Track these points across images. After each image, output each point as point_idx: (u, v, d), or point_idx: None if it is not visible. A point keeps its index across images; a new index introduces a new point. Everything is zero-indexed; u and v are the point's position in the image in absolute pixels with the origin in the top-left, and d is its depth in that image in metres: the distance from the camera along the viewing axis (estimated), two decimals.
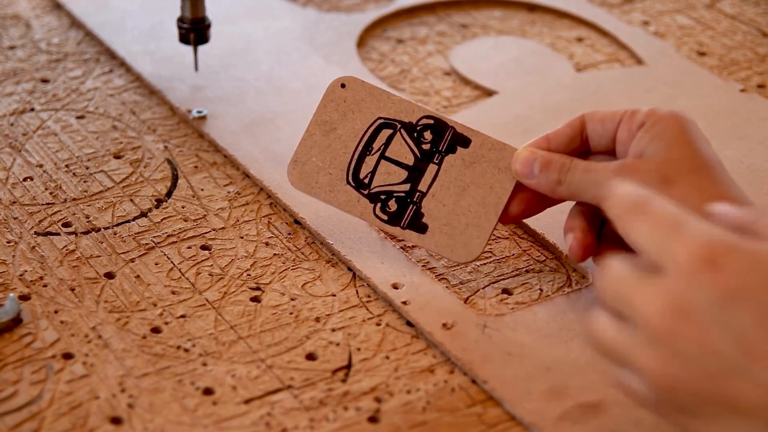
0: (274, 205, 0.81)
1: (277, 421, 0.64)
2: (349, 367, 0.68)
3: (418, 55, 1.00)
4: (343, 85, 0.75)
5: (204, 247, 0.77)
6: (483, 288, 0.73)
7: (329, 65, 0.97)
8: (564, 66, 0.98)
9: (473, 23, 1.05)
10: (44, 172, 0.84)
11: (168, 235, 0.78)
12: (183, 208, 0.81)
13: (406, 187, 0.73)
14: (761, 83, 0.95)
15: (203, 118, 0.89)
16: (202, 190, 0.83)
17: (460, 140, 0.74)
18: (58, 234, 0.78)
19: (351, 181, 0.74)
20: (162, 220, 0.79)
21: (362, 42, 1.01)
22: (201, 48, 0.93)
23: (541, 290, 0.73)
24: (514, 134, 0.87)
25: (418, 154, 0.73)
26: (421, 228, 0.73)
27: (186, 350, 0.69)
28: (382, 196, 0.73)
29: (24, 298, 0.72)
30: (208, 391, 0.66)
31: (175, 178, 0.84)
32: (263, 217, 0.80)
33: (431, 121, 0.74)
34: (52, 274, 0.74)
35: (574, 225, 0.71)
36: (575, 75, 0.96)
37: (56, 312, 0.71)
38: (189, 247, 0.77)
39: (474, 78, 0.95)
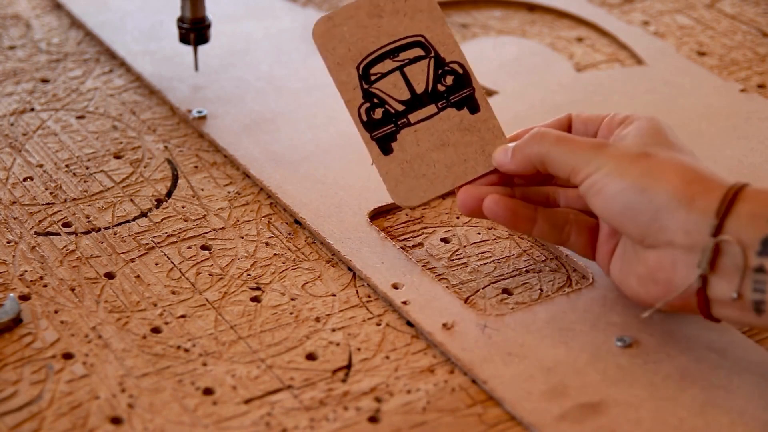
0: (274, 205, 0.81)
1: (277, 421, 0.64)
2: (349, 367, 0.68)
3: None
4: None
5: (204, 247, 0.77)
6: (483, 288, 0.73)
7: None
8: (564, 66, 0.98)
9: (473, 23, 1.05)
10: (44, 172, 0.84)
11: (168, 235, 0.78)
12: (183, 208, 0.81)
13: (400, 107, 0.73)
14: (761, 83, 0.95)
15: (203, 118, 0.89)
16: (202, 190, 0.83)
17: (471, 104, 0.74)
18: (58, 234, 0.78)
19: (360, 68, 0.73)
20: (162, 220, 0.79)
21: None
22: (201, 48, 0.93)
23: (541, 290, 0.73)
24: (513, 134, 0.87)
25: (429, 89, 0.73)
26: (386, 149, 0.73)
27: (186, 350, 0.69)
28: (375, 100, 0.73)
29: (24, 298, 0.72)
30: (208, 391, 0.66)
31: (175, 178, 0.84)
32: (263, 217, 0.80)
33: (460, 71, 0.74)
34: (52, 274, 0.74)
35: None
36: (575, 75, 0.96)
37: (56, 312, 0.71)
38: (189, 247, 0.77)
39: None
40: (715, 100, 0.92)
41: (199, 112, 0.90)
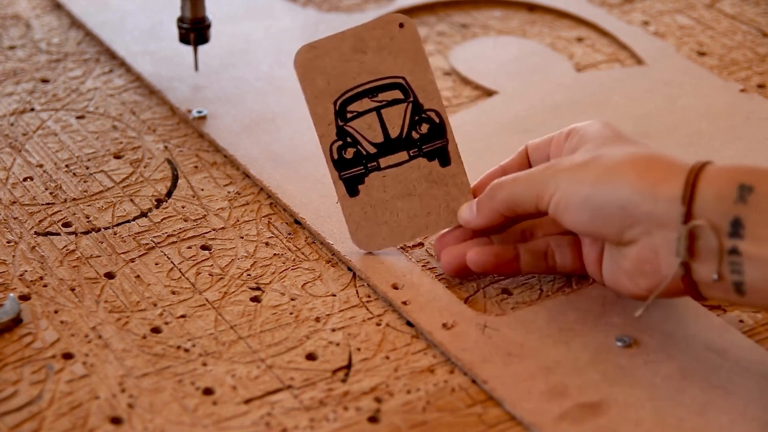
0: (274, 205, 0.81)
1: (277, 421, 0.64)
2: (349, 367, 0.68)
3: None
4: (401, 25, 0.73)
5: (204, 247, 0.77)
6: (483, 288, 0.73)
7: None
8: (564, 66, 0.98)
9: (473, 23, 1.05)
10: (44, 172, 0.84)
11: (168, 235, 0.78)
12: (183, 208, 0.81)
13: (372, 150, 0.73)
14: (761, 83, 0.95)
15: (203, 118, 0.89)
16: (202, 190, 0.83)
17: (443, 156, 0.73)
18: (58, 234, 0.78)
19: (337, 104, 0.72)
20: (162, 220, 0.79)
21: None
22: (201, 48, 0.93)
23: (541, 290, 0.73)
24: (514, 134, 0.88)
25: (403, 135, 0.73)
26: (352, 191, 0.73)
27: (186, 350, 0.69)
28: (348, 139, 0.72)
29: (24, 298, 0.72)
30: (208, 391, 0.66)
31: (175, 178, 0.84)
32: (263, 217, 0.80)
33: (437, 120, 0.73)
34: (52, 274, 0.74)
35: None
36: (575, 75, 0.96)
37: (56, 312, 0.71)
38: (189, 247, 0.77)
39: (474, 78, 0.95)
40: (715, 100, 0.92)
41: (199, 112, 0.90)
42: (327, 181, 0.82)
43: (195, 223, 0.79)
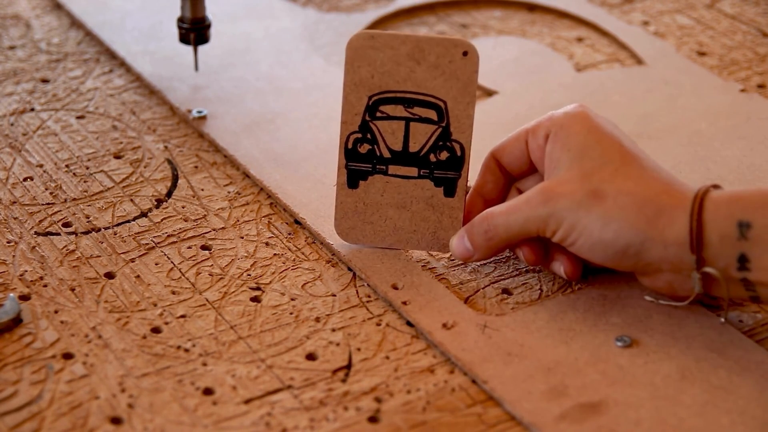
0: (274, 205, 0.81)
1: (277, 421, 0.64)
2: (349, 367, 0.68)
3: None
4: (465, 53, 0.72)
5: (204, 247, 0.77)
6: (483, 288, 0.73)
7: (329, 65, 0.97)
8: (564, 66, 0.98)
9: (473, 23, 1.05)
10: (44, 172, 0.84)
11: (168, 235, 0.78)
12: (183, 208, 0.81)
13: (387, 154, 0.73)
14: (761, 83, 0.95)
15: (203, 118, 0.89)
16: (202, 190, 0.83)
17: (450, 188, 0.73)
18: (58, 234, 0.78)
19: (371, 100, 0.72)
20: (162, 220, 0.79)
21: None
22: (201, 48, 0.93)
23: (541, 290, 0.73)
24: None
25: (421, 154, 0.73)
26: (353, 183, 0.73)
27: (186, 350, 0.69)
28: (368, 135, 0.72)
29: (24, 298, 0.72)
30: (208, 391, 0.66)
31: (175, 178, 0.84)
32: (263, 217, 0.80)
33: (458, 152, 0.73)
34: (52, 274, 0.74)
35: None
36: (575, 75, 0.96)
37: (56, 312, 0.71)
38: (189, 247, 0.77)
39: None
40: (715, 100, 0.92)
41: (199, 112, 0.90)
42: (327, 182, 0.82)
43: (195, 223, 0.79)
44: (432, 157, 0.73)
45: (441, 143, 0.72)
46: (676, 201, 0.67)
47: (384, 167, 0.73)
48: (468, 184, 0.74)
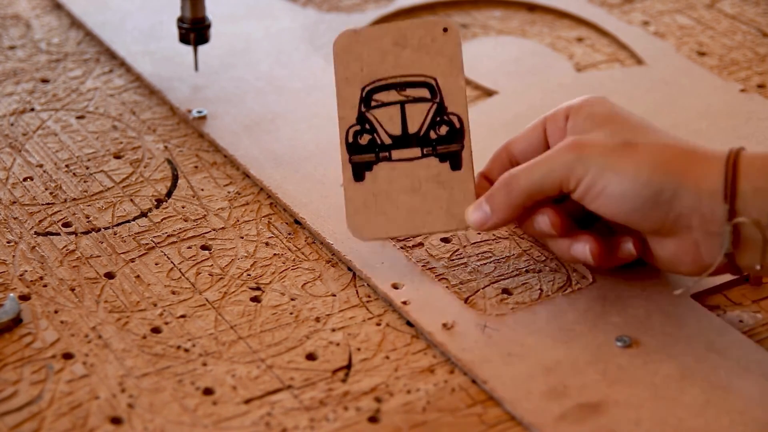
0: (274, 205, 0.81)
1: (277, 421, 0.64)
2: (349, 367, 0.68)
3: None
4: (445, 30, 0.73)
5: (204, 247, 0.77)
6: (483, 288, 0.73)
7: (329, 65, 0.97)
8: (564, 66, 0.98)
9: (473, 23, 1.05)
10: (44, 172, 0.84)
11: (168, 235, 0.78)
12: (183, 208, 0.81)
13: (387, 140, 0.72)
14: (761, 83, 0.95)
15: (203, 118, 0.89)
16: (202, 190, 0.83)
17: (455, 160, 0.73)
18: (58, 234, 0.78)
19: (365, 91, 0.72)
20: (162, 220, 0.79)
21: None
22: (201, 48, 0.93)
23: (541, 290, 0.73)
24: (513, 134, 0.87)
25: (421, 133, 0.73)
26: (359, 176, 0.72)
27: (186, 350, 0.69)
28: (367, 125, 0.72)
29: (24, 298, 0.72)
30: (208, 391, 0.66)
31: (175, 178, 0.84)
32: (263, 217, 0.80)
33: (457, 125, 0.73)
34: (52, 274, 0.74)
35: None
36: (575, 75, 0.96)
37: (56, 312, 0.71)
38: (189, 247, 0.77)
39: (474, 78, 0.95)
40: (715, 100, 0.92)
41: (199, 112, 0.90)
42: (327, 182, 0.82)
43: (195, 223, 0.79)
44: (432, 134, 0.73)
45: (438, 119, 0.73)
46: (709, 154, 0.66)
47: (387, 153, 0.73)
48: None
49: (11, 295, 0.71)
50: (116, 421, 0.64)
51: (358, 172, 0.73)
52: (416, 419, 0.64)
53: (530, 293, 0.73)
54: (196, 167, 0.85)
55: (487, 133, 0.88)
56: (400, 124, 0.73)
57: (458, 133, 0.73)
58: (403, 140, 0.73)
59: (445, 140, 0.73)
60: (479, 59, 0.98)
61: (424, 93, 0.73)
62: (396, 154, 0.73)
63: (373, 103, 0.73)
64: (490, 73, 0.96)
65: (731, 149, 0.66)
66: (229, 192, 0.82)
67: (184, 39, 0.91)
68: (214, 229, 0.79)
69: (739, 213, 0.64)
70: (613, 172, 0.66)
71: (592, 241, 0.69)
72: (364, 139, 0.72)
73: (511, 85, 0.94)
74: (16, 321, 0.70)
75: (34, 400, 0.65)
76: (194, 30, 0.91)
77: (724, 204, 0.64)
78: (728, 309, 0.72)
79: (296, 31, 1.02)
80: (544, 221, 0.70)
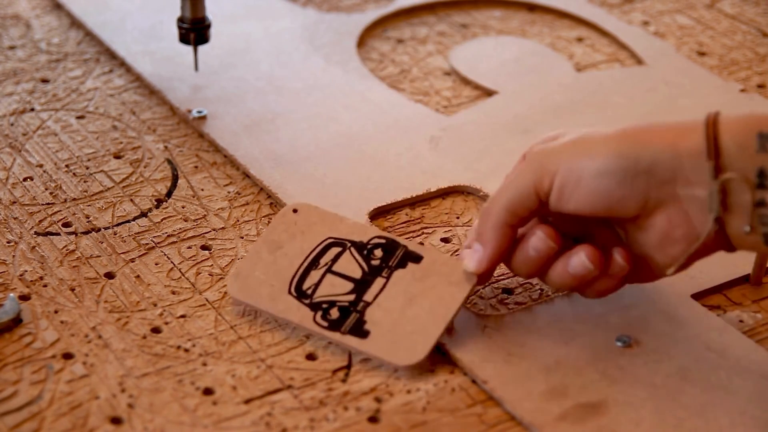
0: (274, 205, 0.81)
1: (277, 421, 0.64)
2: (349, 367, 0.68)
3: (418, 55, 1.00)
4: (295, 210, 0.74)
5: (204, 247, 0.77)
6: (483, 288, 0.73)
7: (329, 65, 0.97)
8: (564, 66, 0.98)
9: (473, 23, 1.05)
10: (44, 172, 0.84)
11: (168, 235, 0.78)
12: (183, 208, 0.81)
13: (351, 297, 0.70)
14: (761, 83, 0.95)
15: (203, 118, 0.89)
16: (202, 190, 0.83)
17: (412, 257, 0.72)
18: (58, 234, 0.78)
19: (293, 291, 0.71)
20: (162, 220, 0.79)
21: (362, 42, 1.01)
22: (201, 48, 0.93)
23: (542, 290, 0.73)
24: (514, 134, 0.88)
25: (367, 269, 0.71)
26: (362, 334, 0.69)
27: (186, 350, 0.69)
28: (324, 305, 0.70)
29: (24, 298, 0.72)
30: (208, 391, 0.66)
31: (175, 178, 0.84)
32: (263, 217, 0.80)
33: (383, 241, 0.72)
34: (52, 274, 0.74)
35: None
36: (575, 75, 0.96)
37: (56, 312, 0.71)
38: (189, 247, 0.77)
39: (474, 78, 0.95)
40: (715, 100, 0.92)
41: (199, 112, 0.90)
42: (327, 181, 0.82)
43: (195, 223, 0.79)
44: (375, 262, 0.72)
45: (365, 252, 0.72)
46: (681, 122, 0.63)
47: (363, 302, 0.70)
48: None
49: (11, 295, 0.71)
50: (116, 421, 0.64)
51: (358, 332, 0.69)
52: (416, 419, 0.64)
53: (530, 293, 0.73)
54: (196, 167, 0.85)
55: (487, 134, 0.88)
56: (346, 281, 0.71)
57: (392, 244, 0.72)
58: (362, 285, 0.71)
59: (388, 256, 0.72)
60: (479, 59, 0.98)
61: (335, 250, 0.72)
62: (368, 296, 0.70)
63: (309, 291, 0.71)
64: (490, 73, 0.96)
65: (708, 113, 0.63)
66: (229, 192, 0.82)
67: (184, 39, 0.91)
68: (214, 229, 0.79)
69: (725, 170, 0.62)
70: (584, 156, 0.64)
71: (587, 247, 0.66)
72: (334, 313, 0.70)
73: (511, 85, 0.94)
74: (16, 321, 0.70)
75: (34, 400, 0.65)
76: (194, 30, 0.91)
77: (708, 162, 0.62)
78: (728, 309, 0.72)
79: (296, 31, 1.02)
80: (539, 238, 0.67)
